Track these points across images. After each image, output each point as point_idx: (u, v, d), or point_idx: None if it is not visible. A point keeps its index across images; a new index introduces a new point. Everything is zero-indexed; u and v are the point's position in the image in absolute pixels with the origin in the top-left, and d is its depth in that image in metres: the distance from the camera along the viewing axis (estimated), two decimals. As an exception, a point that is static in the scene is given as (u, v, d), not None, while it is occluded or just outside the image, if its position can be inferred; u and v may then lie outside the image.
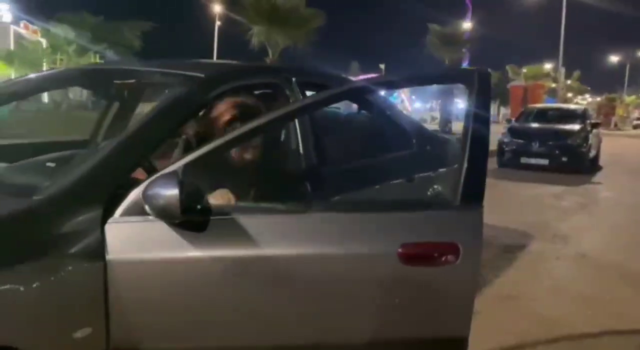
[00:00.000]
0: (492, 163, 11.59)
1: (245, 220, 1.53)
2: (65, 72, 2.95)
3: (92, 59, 22.34)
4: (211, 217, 1.51)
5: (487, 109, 1.83)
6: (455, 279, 1.65)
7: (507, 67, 34.35)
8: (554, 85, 27.41)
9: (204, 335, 1.53)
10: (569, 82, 45.93)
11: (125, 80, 2.45)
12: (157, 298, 1.50)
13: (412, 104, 44.51)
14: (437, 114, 38.31)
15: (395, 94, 48.76)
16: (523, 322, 3.17)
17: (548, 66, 32.01)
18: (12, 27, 20.27)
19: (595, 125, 11.96)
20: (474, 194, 1.67)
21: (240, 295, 1.54)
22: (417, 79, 2.35)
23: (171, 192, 1.39)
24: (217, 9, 29.39)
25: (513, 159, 11.11)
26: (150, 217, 1.48)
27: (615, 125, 43.88)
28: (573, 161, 10.65)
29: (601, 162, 12.66)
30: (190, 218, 1.47)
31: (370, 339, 1.65)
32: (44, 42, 21.04)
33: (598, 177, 10.64)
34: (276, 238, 1.56)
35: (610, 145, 21.27)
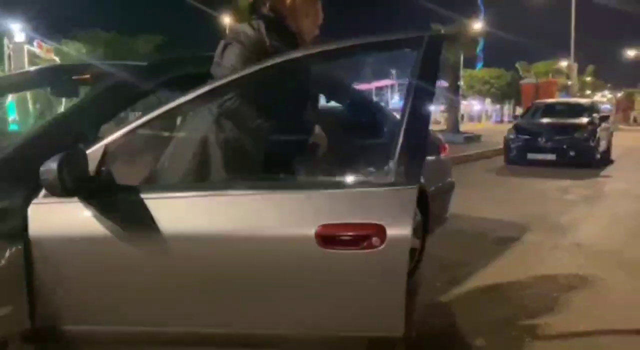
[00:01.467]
0: (499, 160, 11.49)
1: (160, 201, 1.53)
2: (23, 75, 3.02)
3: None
4: (127, 197, 1.51)
5: (432, 81, 1.68)
6: (382, 266, 1.49)
7: (517, 65, 33.99)
8: (567, 81, 27.02)
9: (121, 316, 1.53)
10: (588, 78, 45.37)
11: (81, 76, 2.50)
12: (76, 277, 1.52)
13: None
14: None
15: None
16: (501, 310, 3.12)
17: (563, 63, 31.58)
18: (26, 47, 20.65)
19: (604, 119, 11.76)
20: (407, 172, 1.53)
21: (154, 277, 1.54)
22: (359, 47, 1.92)
23: (51, 168, 1.38)
24: (226, 21, 29.77)
25: (520, 156, 10.98)
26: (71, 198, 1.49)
27: (635, 120, 43.11)
28: (581, 155, 10.49)
29: (614, 156, 12.46)
30: (102, 196, 1.48)
31: (286, 331, 1.55)
32: (57, 59, 21.53)
33: (608, 170, 10.45)
34: (190, 218, 1.55)
35: (626, 140, 20.89)
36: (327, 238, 1.47)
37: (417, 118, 1.58)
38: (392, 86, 50.86)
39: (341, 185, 1.64)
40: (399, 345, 1.57)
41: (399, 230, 1.48)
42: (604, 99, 59.85)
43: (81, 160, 1.47)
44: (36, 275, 1.48)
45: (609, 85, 58.51)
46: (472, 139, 15.85)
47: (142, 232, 1.52)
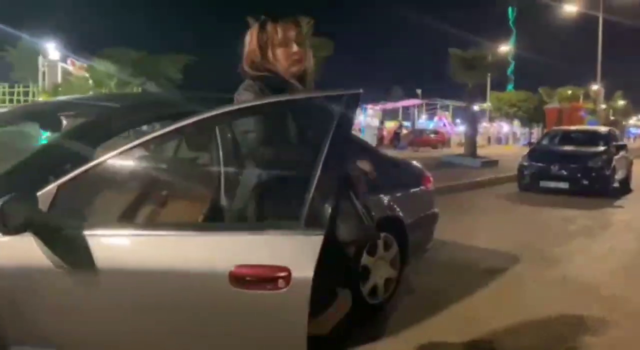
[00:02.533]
0: (513, 187, 11.45)
1: (99, 238, 1.72)
2: (13, 111, 3.29)
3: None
4: (70, 234, 1.71)
5: (346, 137, 1.84)
6: (286, 305, 1.64)
7: (540, 90, 33.73)
8: (595, 106, 26.63)
9: (59, 340, 1.72)
10: (621, 102, 44.53)
11: (67, 112, 2.74)
12: (22, 303, 1.72)
13: (456, 128, 44.30)
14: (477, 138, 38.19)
15: (436, 118, 48.35)
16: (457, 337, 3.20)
17: (589, 88, 31.23)
18: (60, 64, 21.55)
19: (621, 148, 11.63)
20: (316, 220, 1.66)
21: (89, 306, 1.73)
22: (284, 103, 2.01)
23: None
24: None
25: (532, 183, 10.93)
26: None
27: (667, 146, 42.06)
28: (594, 184, 10.37)
29: (635, 186, 12.26)
30: (49, 233, 1.68)
31: None
32: (88, 76, 22.44)
33: (623, 200, 10.30)
34: (117, 254, 1.73)
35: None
36: (239, 278, 1.63)
37: (330, 167, 1.72)
38: (419, 106, 50.87)
39: (257, 229, 1.79)
40: None
41: (303, 273, 1.63)
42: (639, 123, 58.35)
43: (30, 200, 1.68)
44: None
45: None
46: (489, 164, 15.80)
47: (80, 265, 1.71)
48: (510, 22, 57.24)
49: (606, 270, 5.00)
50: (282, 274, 1.62)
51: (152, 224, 1.96)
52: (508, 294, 4.22)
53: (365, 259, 3.52)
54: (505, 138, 44.12)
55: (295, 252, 1.66)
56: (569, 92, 33.28)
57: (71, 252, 1.69)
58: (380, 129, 30.95)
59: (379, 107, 43.70)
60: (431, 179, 4.52)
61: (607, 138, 11.73)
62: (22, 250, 1.72)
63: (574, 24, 30.38)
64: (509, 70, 42.68)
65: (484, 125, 43.48)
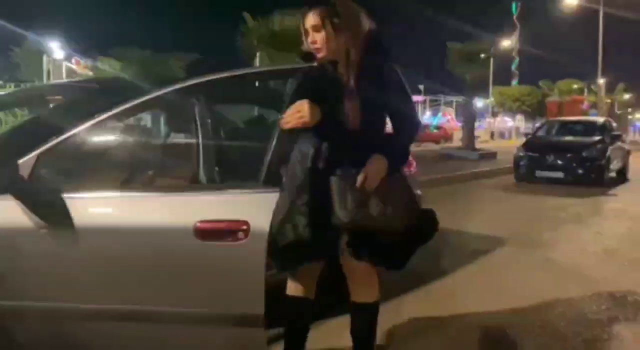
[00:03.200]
0: (509, 178, 11.57)
1: (75, 200, 1.89)
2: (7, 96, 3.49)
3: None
4: (50, 196, 1.88)
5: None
6: (246, 255, 1.86)
7: (540, 83, 33.77)
8: (593, 99, 26.65)
9: (41, 294, 1.90)
10: (626, 96, 44.37)
11: (54, 96, 2.92)
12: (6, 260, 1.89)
13: (459, 123, 44.34)
14: (479, 132, 38.21)
15: (440, 114, 48.41)
16: (433, 311, 3.36)
17: (600, 81, 31.17)
18: (65, 64, 21.79)
19: (616, 138, 11.71)
20: (271, 180, 1.94)
21: (68, 262, 1.92)
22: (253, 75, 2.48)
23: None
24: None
25: (528, 173, 11.06)
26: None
27: (672, 139, 41.90)
28: (589, 173, 10.48)
29: (632, 175, 12.37)
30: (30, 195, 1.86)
31: (166, 308, 1.90)
32: (92, 75, 22.74)
33: (616, 189, 10.42)
34: (95, 214, 1.92)
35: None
36: (203, 231, 1.85)
37: (282, 138, 2.00)
38: (422, 102, 50.95)
39: (219, 189, 2.04)
40: (260, 321, 1.89)
41: (261, 226, 1.85)
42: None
43: (11, 167, 1.86)
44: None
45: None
46: (487, 156, 15.91)
47: (60, 224, 1.89)
48: (514, 17, 57.05)
49: (589, 254, 5.13)
50: (242, 227, 1.84)
51: (125, 187, 2.14)
52: (489, 274, 4.37)
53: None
54: (509, 132, 44.10)
55: (253, 208, 1.89)
56: (573, 85, 33.29)
57: (50, 213, 1.86)
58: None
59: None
60: (414, 163, 4.65)
61: (602, 129, 11.82)
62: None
63: (577, 17, 30.37)
64: (513, 66, 42.59)
65: (487, 121, 43.55)
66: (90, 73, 22.83)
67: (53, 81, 3.64)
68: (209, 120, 2.63)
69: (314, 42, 2.00)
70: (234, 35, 17.71)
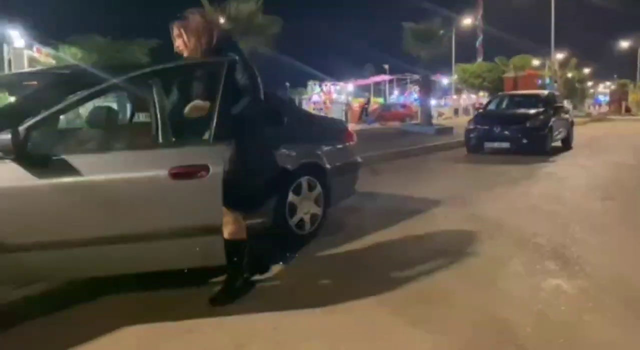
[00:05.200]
0: (462, 151, 12.33)
1: (71, 158, 2.52)
2: None
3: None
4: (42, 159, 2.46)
5: (233, 86, 2.92)
6: (207, 186, 2.68)
7: (496, 60, 34.82)
8: (547, 73, 27.72)
9: (42, 230, 2.54)
10: (586, 72, 45.90)
11: (30, 82, 3.42)
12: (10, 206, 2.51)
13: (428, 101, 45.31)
14: (444, 110, 39.27)
15: (406, 93, 49.05)
16: (363, 259, 4.01)
17: (558, 56, 32.28)
18: (26, 52, 21.63)
19: (559, 109, 12.56)
20: (221, 135, 2.74)
21: (63, 206, 2.57)
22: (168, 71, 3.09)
23: (6, 137, 2.37)
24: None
25: (478, 144, 11.83)
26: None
27: (627, 110, 43.71)
28: (534, 143, 11.26)
29: (576, 144, 13.29)
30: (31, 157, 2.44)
31: (154, 229, 2.67)
32: (55, 63, 22.64)
33: (559, 157, 11.24)
34: (90, 169, 2.58)
35: (600, 130, 21.63)
36: (175, 174, 2.64)
37: (223, 111, 2.78)
38: (389, 81, 51.67)
39: (185, 145, 2.81)
40: (219, 230, 2.77)
41: (217, 169, 2.69)
42: (607, 90, 60.13)
43: (14, 134, 2.40)
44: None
45: (615, 76, 59.22)
46: (444, 131, 16.72)
47: (53, 180, 2.52)
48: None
49: (511, 209, 5.82)
50: (204, 170, 2.68)
51: (110, 147, 2.84)
52: (419, 227, 5.01)
53: (291, 197, 4.28)
54: (473, 109, 45.19)
55: (210, 156, 2.71)
56: (528, 61, 34.38)
57: (44, 170, 2.46)
58: (347, 105, 31.70)
59: (351, 84, 44.51)
60: (353, 133, 5.30)
61: (546, 101, 12.64)
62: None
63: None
64: (477, 43, 43.40)
65: (453, 97, 44.54)
66: (53, 61, 22.75)
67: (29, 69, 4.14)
68: (163, 99, 3.19)
69: (178, 46, 3.12)
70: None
